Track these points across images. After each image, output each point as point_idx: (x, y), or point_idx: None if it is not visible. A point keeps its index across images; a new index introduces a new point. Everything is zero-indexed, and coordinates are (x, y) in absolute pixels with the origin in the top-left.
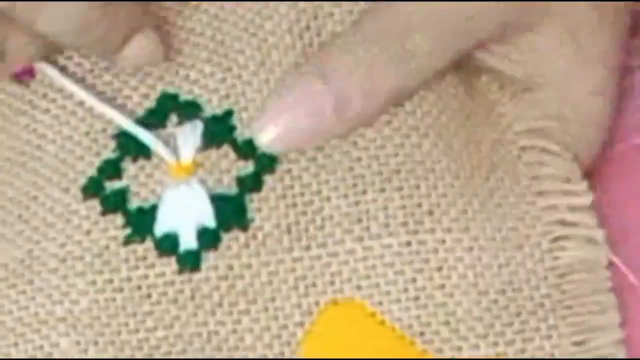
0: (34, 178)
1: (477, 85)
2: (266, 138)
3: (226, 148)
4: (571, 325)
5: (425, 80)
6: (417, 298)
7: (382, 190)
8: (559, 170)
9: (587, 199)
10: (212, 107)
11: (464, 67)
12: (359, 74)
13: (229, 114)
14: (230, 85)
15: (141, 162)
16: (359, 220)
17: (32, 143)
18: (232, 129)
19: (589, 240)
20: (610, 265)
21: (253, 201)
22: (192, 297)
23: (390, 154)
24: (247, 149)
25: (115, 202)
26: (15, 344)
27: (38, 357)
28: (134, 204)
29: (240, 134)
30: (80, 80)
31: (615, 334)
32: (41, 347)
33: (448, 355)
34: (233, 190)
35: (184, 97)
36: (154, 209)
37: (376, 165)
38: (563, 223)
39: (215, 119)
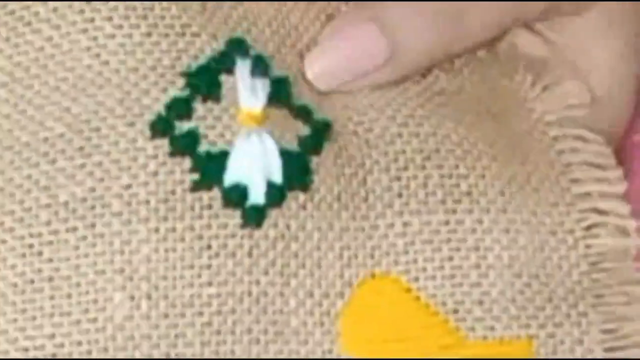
0: (94, 107)
1: (508, 84)
2: (314, 71)
3: (285, 111)
4: (601, 314)
5: (471, 48)
6: (452, 276)
7: (423, 167)
8: (592, 157)
9: (620, 187)
10: (275, 70)
11: (497, 61)
12: (414, 26)
13: (287, 80)
14: (284, 55)
15: (210, 104)
16: (400, 195)
17: (93, 68)
18: (290, 94)
19: (620, 229)
20: None
21: (312, 162)
22: (250, 254)
23: (428, 132)
24: (303, 114)
25: (185, 144)
26: (69, 296)
27: (91, 311)
28: (202, 147)
29: (296, 100)
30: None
31: None
32: (95, 302)
33: (480, 334)
34: (296, 147)
35: (254, 49)
36: (223, 155)
37: (416, 143)
38: (597, 211)
39: (279, 80)
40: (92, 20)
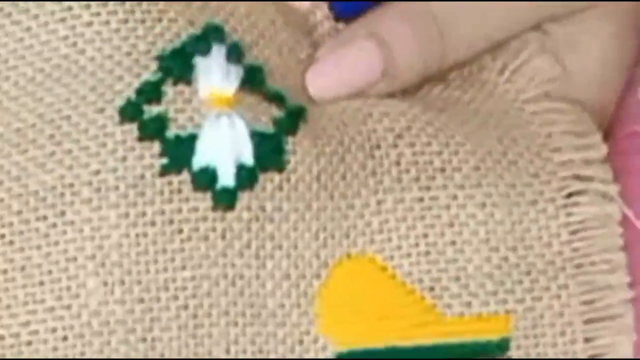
0: (67, 95)
1: (479, 70)
2: (315, 88)
3: (258, 96)
4: (581, 285)
5: (472, 57)
6: (427, 253)
7: (395, 145)
8: (571, 125)
9: (601, 152)
10: (249, 58)
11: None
12: (410, 40)
13: (261, 68)
14: (262, 47)
15: (181, 86)
16: (374, 173)
17: (69, 57)
18: (264, 81)
19: (603, 195)
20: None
21: (288, 143)
22: (223, 236)
23: (399, 112)
24: (277, 99)
25: (153, 128)
26: (41, 284)
27: (64, 297)
28: (171, 131)
29: (270, 87)
30: None
31: (623, 293)
32: (68, 289)
33: (457, 310)
34: (270, 129)
35: (231, 37)
36: (192, 139)
37: (387, 122)
38: (578, 178)
39: (252, 67)
40: (70, 8)
